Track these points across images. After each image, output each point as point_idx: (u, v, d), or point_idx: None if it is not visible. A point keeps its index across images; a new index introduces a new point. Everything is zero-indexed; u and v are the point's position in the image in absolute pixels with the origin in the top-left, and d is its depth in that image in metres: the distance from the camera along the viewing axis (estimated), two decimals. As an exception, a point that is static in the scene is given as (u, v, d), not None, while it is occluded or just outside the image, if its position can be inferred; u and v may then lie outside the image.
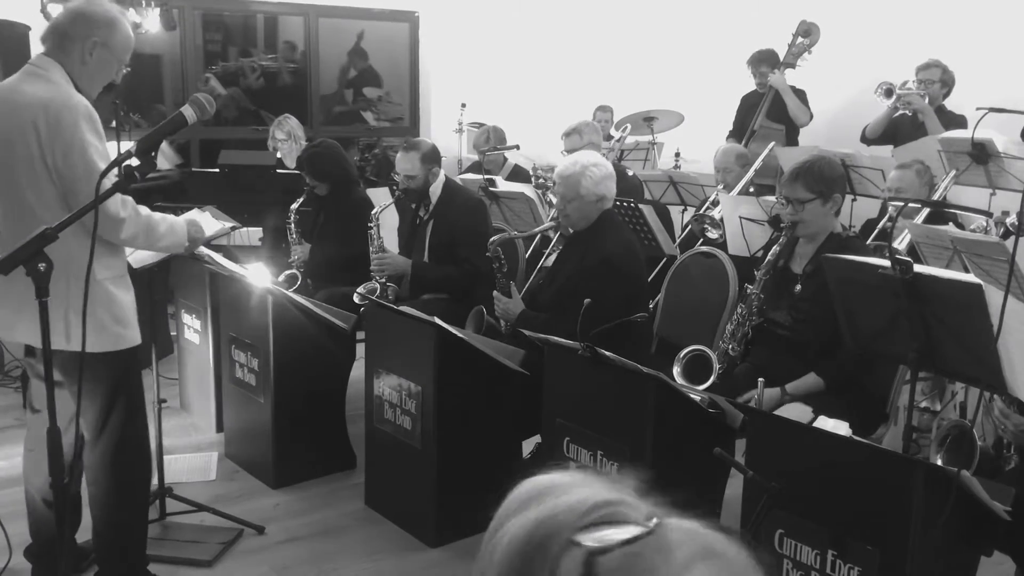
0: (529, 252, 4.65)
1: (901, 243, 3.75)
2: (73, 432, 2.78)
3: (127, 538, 2.93)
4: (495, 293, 3.73)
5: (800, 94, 5.93)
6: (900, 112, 5.36)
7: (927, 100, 5.18)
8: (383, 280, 4.23)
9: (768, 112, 5.95)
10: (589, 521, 0.67)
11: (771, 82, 5.90)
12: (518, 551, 0.68)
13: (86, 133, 2.57)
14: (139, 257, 3.38)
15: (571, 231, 3.74)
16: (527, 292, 3.98)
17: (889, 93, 5.27)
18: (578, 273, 3.54)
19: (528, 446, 3.68)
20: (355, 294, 4.01)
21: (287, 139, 6.05)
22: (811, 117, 5.91)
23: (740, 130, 6.19)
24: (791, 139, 5.98)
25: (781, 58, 5.97)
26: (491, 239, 3.75)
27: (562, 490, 0.70)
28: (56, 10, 5.50)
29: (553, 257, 4.31)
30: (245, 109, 8.35)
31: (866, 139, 5.49)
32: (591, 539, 0.65)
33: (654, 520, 0.66)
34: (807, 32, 5.90)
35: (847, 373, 3.05)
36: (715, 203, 4.85)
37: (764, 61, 6.04)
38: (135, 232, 2.69)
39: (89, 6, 2.69)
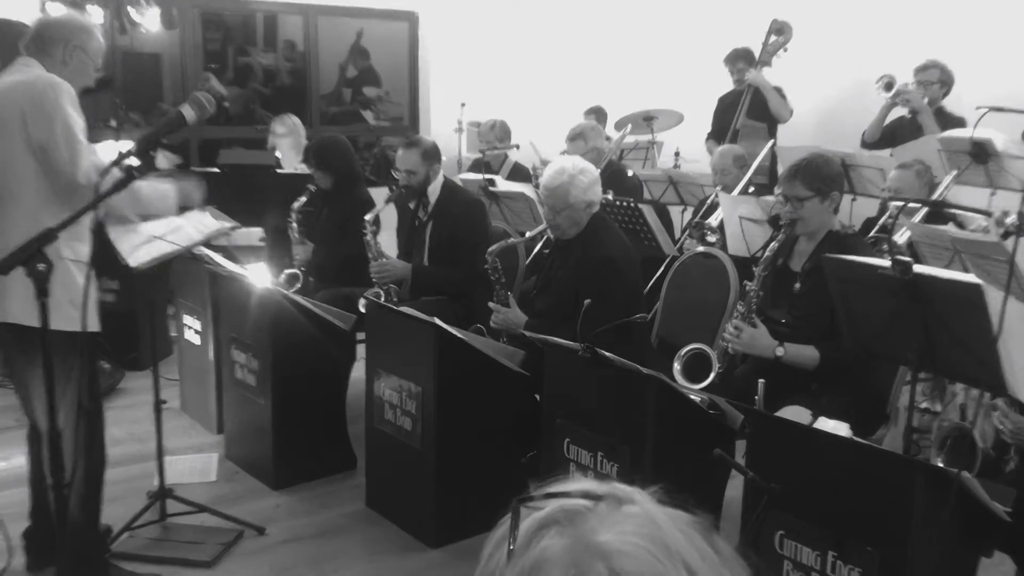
0: (531, 258, 4.63)
1: (899, 239, 3.75)
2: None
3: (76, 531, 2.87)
4: (493, 304, 3.72)
5: (777, 91, 5.93)
6: (899, 115, 5.35)
7: (927, 101, 5.18)
8: (385, 287, 4.21)
9: (749, 111, 5.95)
10: (552, 493, 0.68)
11: (749, 79, 5.91)
12: (497, 534, 0.70)
13: (67, 107, 2.72)
14: (139, 257, 3.38)
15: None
16: (521, 294, 3.96)
17: (889, 86, 5.25)
18: (576, 276, 3.53)
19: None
20: (362, 298, 3.98)
21: (288, 133, 6.09)
22: (792, 113, 5.91)
23: (720, 131, 6.19)
24: (773, 136, 5.97)
25: (756, 58, 5.98)
26: (489, 249, 3.73)
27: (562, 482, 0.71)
28: (56, 10, 5.52)
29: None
30: (248, 108, 8.37)
31: (865, 144, 5.46)
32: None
33: (611, 496, 0.66)
34: (780, 30, 5.91)
35: (845, 361, 3.04)
36: (713, 207, 4.84)
37: (741, 58, 6.07)
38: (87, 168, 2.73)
39: (67, 16, 3.02)
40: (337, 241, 4.69)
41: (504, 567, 0.65)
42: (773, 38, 5.92)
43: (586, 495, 0.66)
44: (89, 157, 2.71)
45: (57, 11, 5.45)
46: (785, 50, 5.91)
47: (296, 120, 6.13)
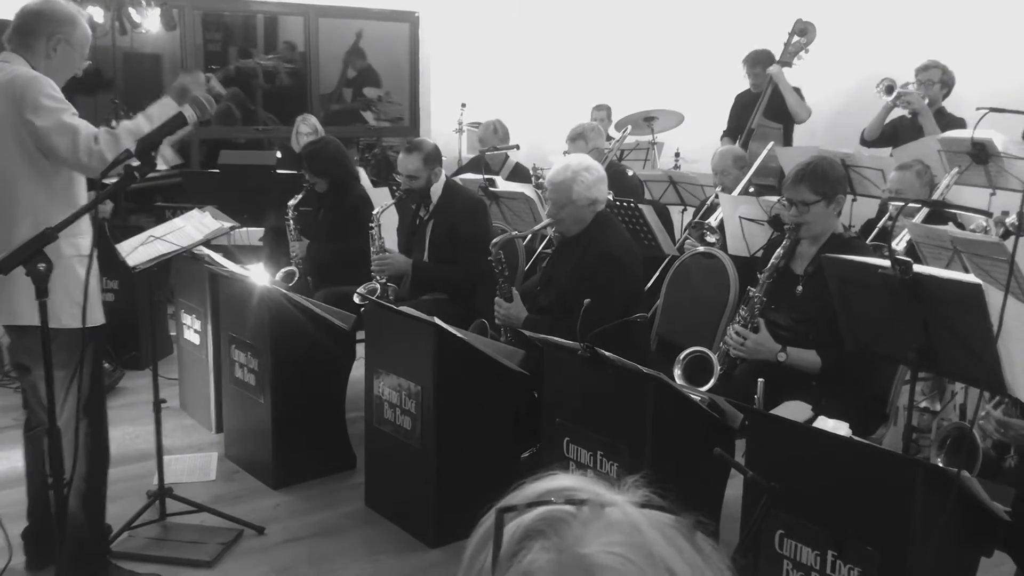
0: (534, 257, 4.63)
1: (900, 243, 3.75)
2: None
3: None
4: (497, 299, 3.73)
5: (796, 92, 5.92)
6: (900, 115, 5.35)
7: (927, 102, 5.18)
8: (383, 280, 4.23)
9: (765, 111, 5.93)
10: (535, 501, 0.67)
11: (770, 71, 5.88)
12: (477, 537, 0.70)
13: (46, 99, 2.69)
14: (138, 257, 3.39)
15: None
16: (523, 296, 3.96)
17: (890, 90, 5.25)
18: (578, 272, 3.53)
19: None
20: (355, 294, 4.01)
21: (312, 133, 6.20)
22: (810, 113, 5.90)
23: (735, 129, 6.18)
24: (788, 138, 5.96)
25: (777, 58, 5.97)
26: (493, 241, 3.73)
27: (542, 480, 0.71)
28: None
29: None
30: (247, 109, 8.37)
31: (865, 142, 5.47)
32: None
33: (593, 500, 0.66)
34: (803, 31, 5.89)
35: (847, 365, 3.04)
36: (713, 207, 4.84)
37: (760, 62, 6.03)
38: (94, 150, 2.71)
39: (49, 5, 2.82)
40: (335, 240, 4.70)
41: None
42: (796, 38, 5.90)
43: (569, 500, 0.67)
44: (84, 131, 2.68)
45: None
46: (807, 51, 5.89)
47: (315, 121, 6.31)
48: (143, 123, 2.80)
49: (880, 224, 4.32)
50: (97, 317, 2.86)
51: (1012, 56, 5.31)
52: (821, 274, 2.98)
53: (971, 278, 2.44)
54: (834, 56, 6.08)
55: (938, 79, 5.20)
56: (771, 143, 5.43)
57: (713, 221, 4.67)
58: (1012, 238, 2.95)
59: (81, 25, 2.87)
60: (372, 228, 4.27)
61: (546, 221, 3.86)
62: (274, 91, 8.65)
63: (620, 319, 3.28)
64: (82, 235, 2.80)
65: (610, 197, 4.43)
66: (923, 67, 5.24)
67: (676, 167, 6.46)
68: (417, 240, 4.39)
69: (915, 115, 5.22)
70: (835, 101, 6.21)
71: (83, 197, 2.84)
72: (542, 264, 4.46)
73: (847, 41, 6.11)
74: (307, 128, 6.27)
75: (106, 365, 4.80)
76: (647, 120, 6.66)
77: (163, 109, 2.84)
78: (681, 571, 0.63)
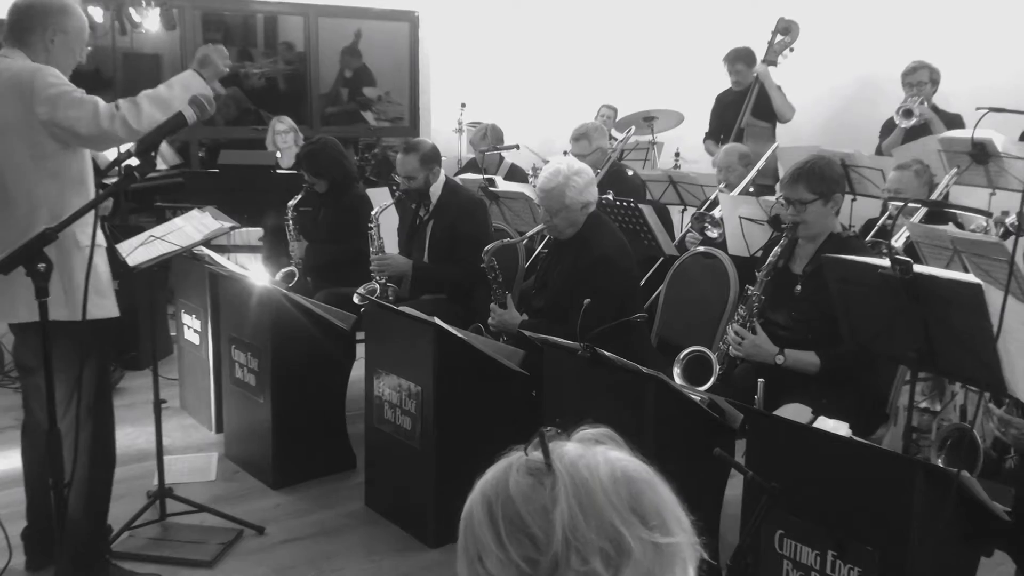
0: (534, 256, 4.63)
1: (898, 241, 3.75)
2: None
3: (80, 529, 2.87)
4: (492, 305, 3.73)
5: (778, 91, 5.92)
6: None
7: (925, 104, 5.18)
8: (383, 281, 4.23)
9: (753, 110, 5.92)
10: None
11: (756, 71, 5.88)
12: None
13: (55, 83, 2.67)
14: (138, 257, 3.39)
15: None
16: (521, 296, 3.96)
17: (908, 114, 5.21)
18: (573, 275, 3.53)
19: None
20: (355, 295, 4.01)
21: (289, 130, 6.16)
22: (794, 112, 5.90)
23: (718, 130, 6.16)
24: (774, 136, 5.95)
25: (759, 56, 5.96)
26: (485, 248, 3.73)
27: None
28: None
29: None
30: (245, 109, 8.37)
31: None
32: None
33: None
34: (786, 29, 5.88)
35: (846, 365, 3.04)
36: (714, 204, 4.84)
37: (741, 59, 6.03)
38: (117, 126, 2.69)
39: None
40: (334, 240, 4.70)
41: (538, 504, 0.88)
42: (779, 37, 5.89)
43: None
44: (101, 102, 2.67)
45: None
46: (791, 50, 5.89)
47: (290, 121, 6.26)
48: (163, 91, 2.77)
49: (880, 222, 4.32)
50: (110, 309, 2.86)
51: (1006, 51, 5.31)
52: (820, 273, 2.98)
53: (971, 278, 2.44)
54: (832, 55, 6.08)
55: (927, 79, 5.20)
56: (775, 144, 5.42)
57: (716, 213, 4.66)
58: (1012, 238, 2.95)
59: (74, 13, 2.81)
60: (371, 228, 4.27)
61: (539, 227, 3.86)
62: (274, 91, 8.65)
63: (619, 319, 3.28)
64: (95, 226, 2.79)
65: (610, 196, 4.44)
66: (911, 69, 5.22)
67: (676, 167, 6.46)
68: (417, 240, 4.39)
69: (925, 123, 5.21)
70: (833, 101, 6.21)
71: (93, 190, 2.82)
72: (531, 261, 4.47)
73: (846, 40, 6.11)
74: (283, 126, 6.26)
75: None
76: (647, 120, 6.66)
77: (183, 80, 2.82)
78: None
